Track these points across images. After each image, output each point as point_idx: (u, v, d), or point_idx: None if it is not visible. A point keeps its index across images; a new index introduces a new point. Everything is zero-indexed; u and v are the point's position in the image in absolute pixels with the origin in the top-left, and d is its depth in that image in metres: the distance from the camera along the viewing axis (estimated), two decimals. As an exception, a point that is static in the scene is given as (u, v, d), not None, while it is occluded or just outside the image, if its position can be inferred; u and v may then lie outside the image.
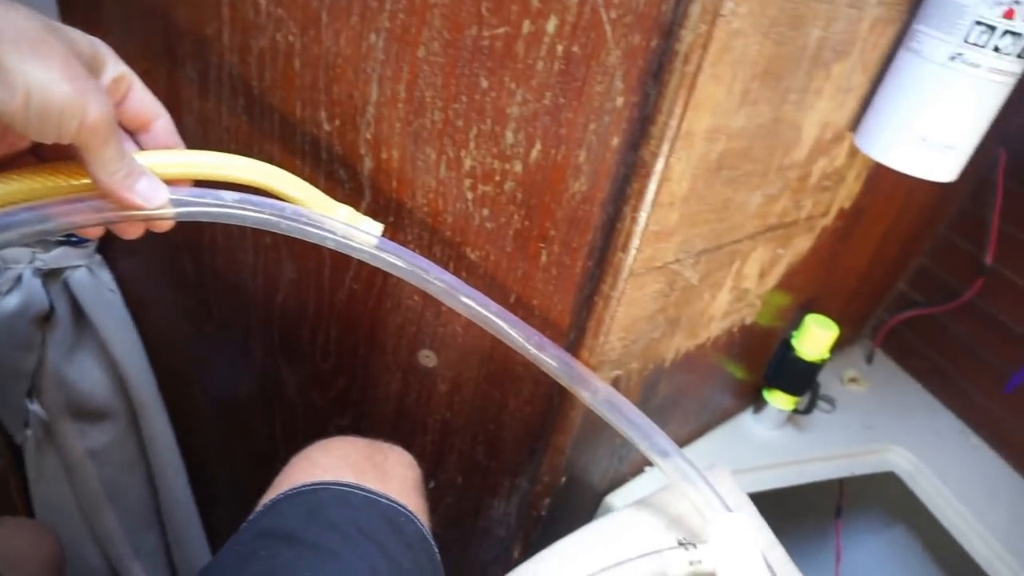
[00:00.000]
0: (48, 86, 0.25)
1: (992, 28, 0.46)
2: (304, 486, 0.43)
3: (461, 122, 0.47)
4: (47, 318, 0.79)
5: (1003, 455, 0.89)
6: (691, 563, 0.43)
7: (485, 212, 0.50)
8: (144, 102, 0.34)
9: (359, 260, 0.56)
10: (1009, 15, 0.45)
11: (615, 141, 0.43)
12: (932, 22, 0.49)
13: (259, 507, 0.43)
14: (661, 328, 0.56)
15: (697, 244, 0.52)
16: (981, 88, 0.48)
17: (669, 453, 0.46)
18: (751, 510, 0.57)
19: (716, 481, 0.57)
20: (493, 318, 0.44)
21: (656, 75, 0.40)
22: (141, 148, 0.36)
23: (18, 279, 0.74)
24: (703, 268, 0.54)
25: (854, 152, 0.60)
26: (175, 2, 0.55)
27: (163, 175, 0.34)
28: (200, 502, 0.94)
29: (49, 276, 0.77)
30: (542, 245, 0.49)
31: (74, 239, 0.77)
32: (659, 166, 0.42)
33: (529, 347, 0.45)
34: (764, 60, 0.43)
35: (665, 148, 0.41)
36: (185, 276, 0.68)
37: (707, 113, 0.42)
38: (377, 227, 0.42)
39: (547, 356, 0.45)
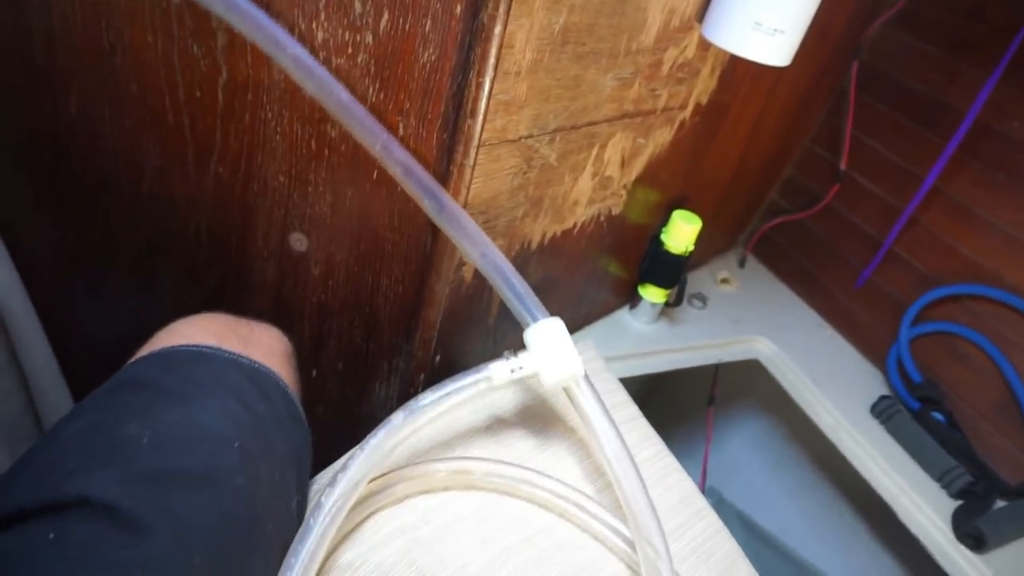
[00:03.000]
0: None
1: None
2: (160, 349, 0.44)
3: (310, -9, 0.47)
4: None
5: (853, 342, 0.98)
6: (512, 371, 0.46)
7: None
8: None
9: (221, 139, 0.56)
10: None
11: (458, 8, 0.45)
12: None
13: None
14: (523, 207, 0.59)
15: (551, 121, 0.54)
16: (804, -28, 0.52)
17: (498, 264, 0.49)
18: (608, 376, 0.62)
19: (580, 348, 0.61)
20: (345, 105, 0.46)
21: (490, -63, 0.42)
22: None
23: None
24: (560, 147, 0.57)
25: (706, 46, 0.64)
26: None
27: None
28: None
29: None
30: (399, 118, 0.51)
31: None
32: (498, 30, 0.44)
33: (375, 145, 0.47)
34: (596, -71, 0.45)
35: (502, 11, 0.43)
36: (43, 169, 0.66)
37: (543, -21, 0.44)
38: None
39: (391, 159, 0.48)
